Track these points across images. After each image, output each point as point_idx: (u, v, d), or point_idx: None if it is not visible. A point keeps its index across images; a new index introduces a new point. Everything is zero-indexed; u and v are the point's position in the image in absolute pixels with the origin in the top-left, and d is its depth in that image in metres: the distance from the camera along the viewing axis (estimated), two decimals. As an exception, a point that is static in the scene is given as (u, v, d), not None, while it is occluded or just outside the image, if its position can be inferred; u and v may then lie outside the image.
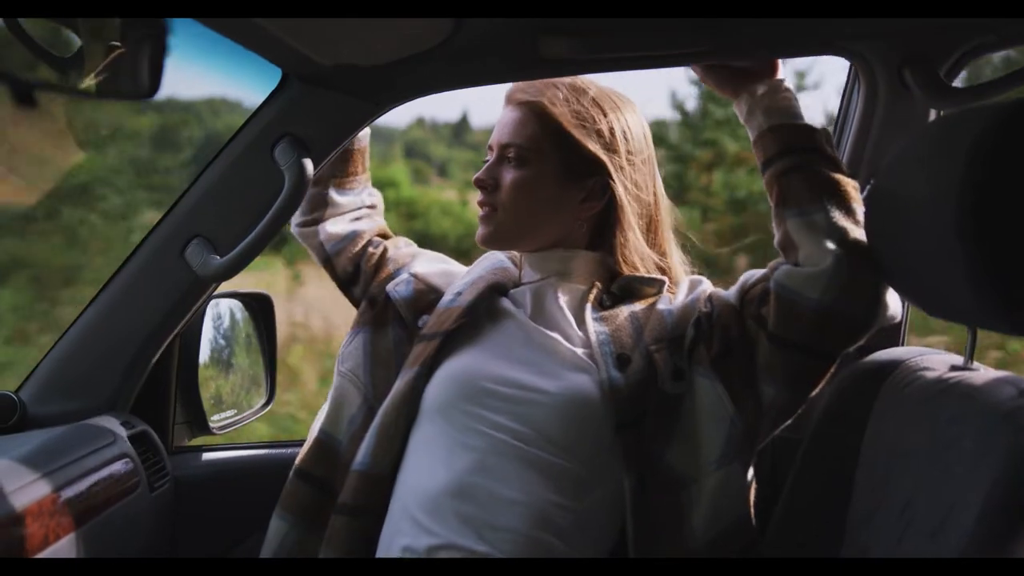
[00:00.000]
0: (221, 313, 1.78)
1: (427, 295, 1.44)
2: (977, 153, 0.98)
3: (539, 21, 1.25)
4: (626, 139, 1.39)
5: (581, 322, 1.34)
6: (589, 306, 1.35)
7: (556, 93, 1.38)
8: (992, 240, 0.98)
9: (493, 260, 1.48)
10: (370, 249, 1.54)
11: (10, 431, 1.43)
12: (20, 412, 1.44)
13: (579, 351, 1.30)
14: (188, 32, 1.09)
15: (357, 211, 1.57)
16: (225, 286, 1.61)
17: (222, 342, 1.79)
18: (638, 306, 1.36)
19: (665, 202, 1.45)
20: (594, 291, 1.37)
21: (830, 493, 1.31)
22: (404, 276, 1.48)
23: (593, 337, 1.30)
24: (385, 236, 1.59)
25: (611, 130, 1.37)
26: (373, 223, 1.59)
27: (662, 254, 1.43)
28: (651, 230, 1.42)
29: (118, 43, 1.01)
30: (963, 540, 0.99)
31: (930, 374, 1.23)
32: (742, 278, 1.35)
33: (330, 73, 1.35)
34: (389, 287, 1.46)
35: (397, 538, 1.26)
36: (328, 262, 1.55)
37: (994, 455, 1.01)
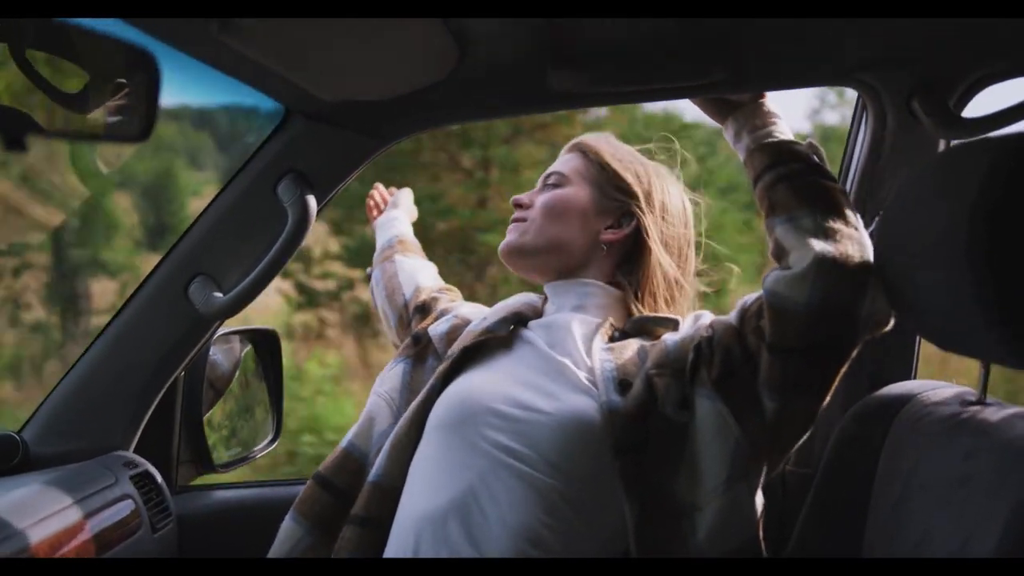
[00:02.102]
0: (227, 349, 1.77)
1: (461, 328, 1.48)
2: (988, 184, 0.97)
3: (547, 53, 1.25)
4: (663, 197, 1.48)
5: (589, 352, 1.34)
6: (599, 338, 1.35)
7: (605, 143, 1.51)
8: (1004, 272, 0.97)
9: (525, 296, 1.52)
10: (425, 297, 1.67)
11: (13, 472, 1.42)
12: (23, 453, 1.43)
13: (582, 375, 1.30)
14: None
15: (432, 271, 1.77)
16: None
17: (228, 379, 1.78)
18: (648, 341, 1.36)
19: (692, 268, 1.50)
20: (607, 326, 1.38)
21: (843, 527, 1.29)
22: (447, 316, 1.54)
23: (598, 365, 1.30)
24: (448, 290, 1.72)
25: (650, 182, 1.47)
26: (440, 281, 1.76)
27: (678, 310, 1.46)
28: (672, 279, 1.46)
29: (122, 84, 1.01)
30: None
31: (943, 408, 1.21)
32: (741, 299, 1.34)
33: (333, 109, 1.35)
34: (431, 327, 1.51)
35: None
36: (401, 319, 1.69)
37: (1011, 490, 0.99)
